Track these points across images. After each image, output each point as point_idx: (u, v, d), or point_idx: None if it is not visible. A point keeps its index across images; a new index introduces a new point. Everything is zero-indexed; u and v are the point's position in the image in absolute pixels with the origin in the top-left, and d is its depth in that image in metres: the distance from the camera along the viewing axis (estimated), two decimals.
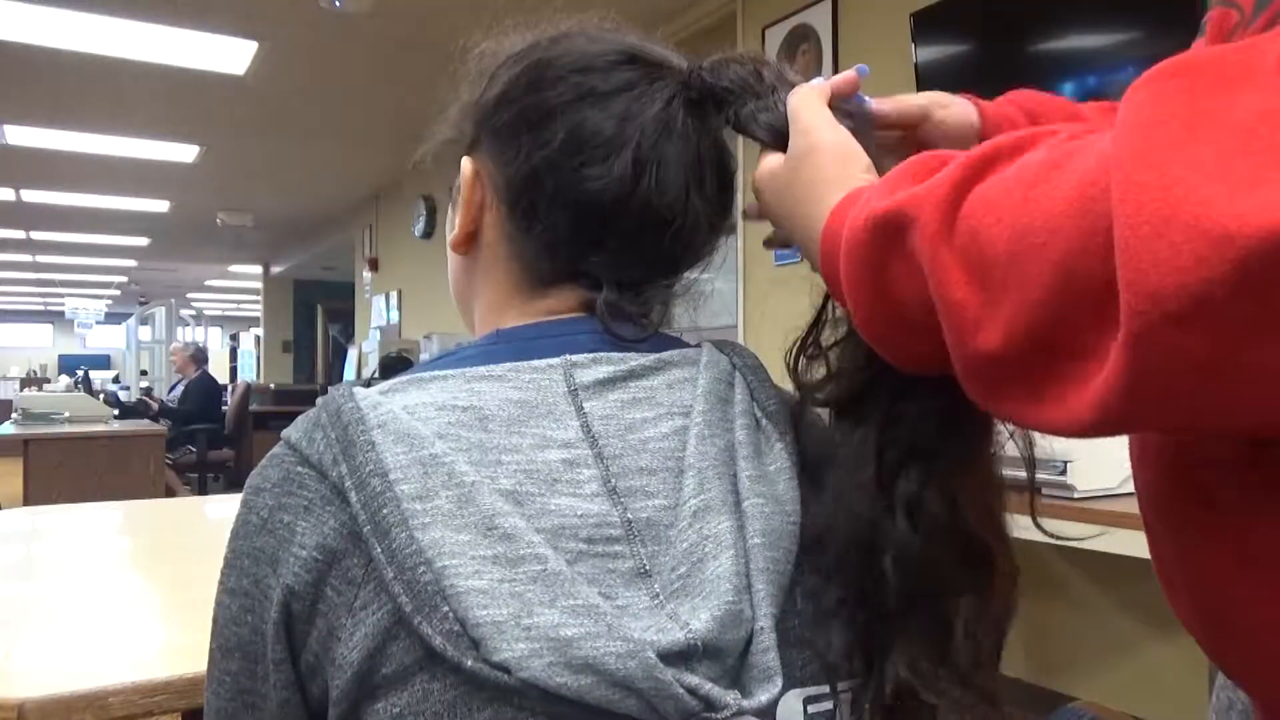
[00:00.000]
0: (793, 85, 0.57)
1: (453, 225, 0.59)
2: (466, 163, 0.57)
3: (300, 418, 0.49)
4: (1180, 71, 0.32)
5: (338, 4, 3.57)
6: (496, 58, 0.58)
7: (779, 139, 0.55)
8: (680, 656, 0.42)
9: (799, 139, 0.53)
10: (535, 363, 0.50)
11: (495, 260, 0.57)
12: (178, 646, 0.93)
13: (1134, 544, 1.73)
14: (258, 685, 0.47)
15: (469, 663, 0.40)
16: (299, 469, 0.46)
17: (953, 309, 0.38)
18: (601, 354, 0.51)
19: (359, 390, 0.48)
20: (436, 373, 0.49)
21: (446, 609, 0.41)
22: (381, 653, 0.42)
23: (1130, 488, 2.15)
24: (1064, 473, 1.81)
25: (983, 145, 0.40)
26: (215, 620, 0.49)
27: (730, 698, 0.43)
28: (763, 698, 0.44)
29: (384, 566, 0.42)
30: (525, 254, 0.55)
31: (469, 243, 0.58)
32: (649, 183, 0.53)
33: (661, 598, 0.44)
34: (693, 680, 0.42)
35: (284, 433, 0.49)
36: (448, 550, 0.42)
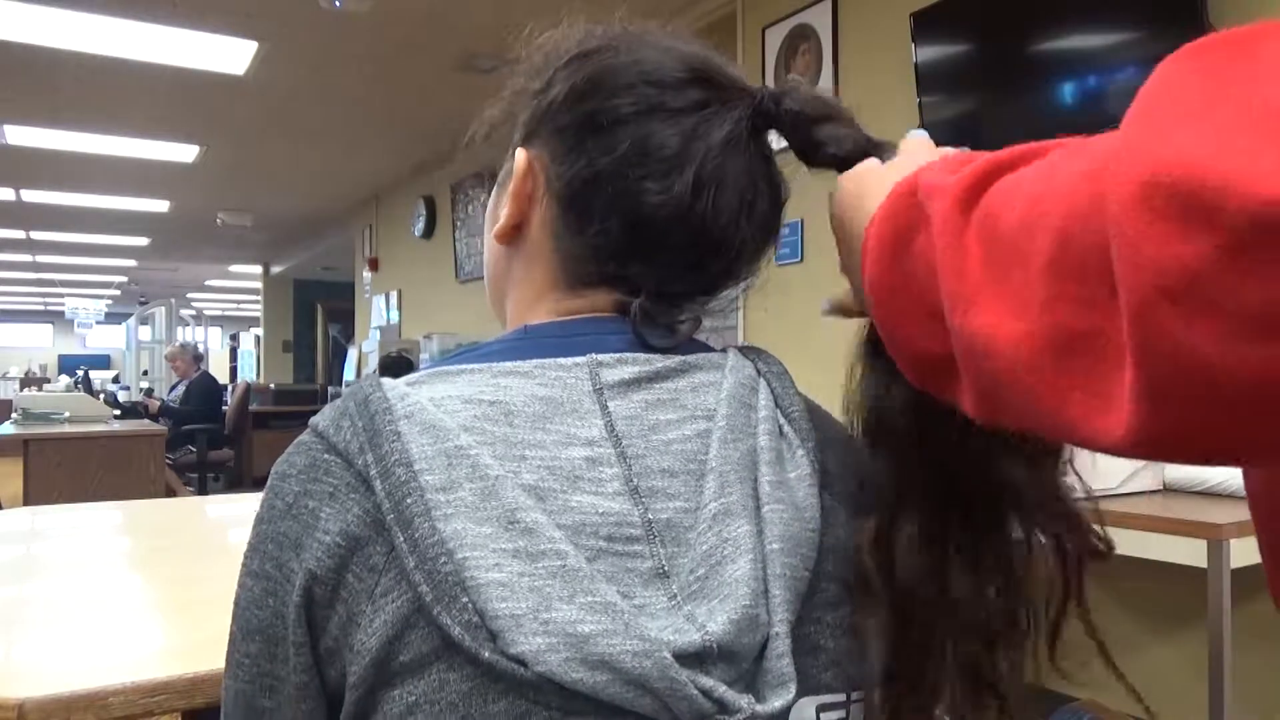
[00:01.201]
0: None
1: (496, 214, 0.59)
2: (520, 154, 0.56)
3: (328, 406, 0.50)
4: (1198, 49, 0.29)
5: (338, 4, 3.57)
6: (560, 53, 0.57)
7: (859, 159, 0.55)
8: (696, 658, 0.43)
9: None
10: (562, 360, 0.50)
11: (537, 254, 0.56)
12: (178, 646, 0.93)
13: (1134, 544, 1.73)
14: (277, 668, 0.47)
15: (486, 654, 0.41)
16: (325, 456, 0.47)
17: (956, 282, 0.36)
18: (627, 354, 0.51)
19: (386, 381, 0.48)
20: (464, 366, 0.50)
21: (466, 600, 0.41)
22: (400, 640, 0.42)
23: (1131, 487, 2.16)
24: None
25: (1019, 146, 0.38)
26: (237, 602, 0.49)
27: (744, 701, 0.43)
28: (776, 703, 0.44)
29: (405, 555, 0.42)
30: (570, 253, 0.55)
31: (514, 234, 0.58)
32: (706, 204, 0.52)
33: (679, 599, 0.45)
34: (707, 682, 0.42)
35: (312, 420, 0.50)
36: (469, 542, 0.42)
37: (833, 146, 0.55)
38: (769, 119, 0.55)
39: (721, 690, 0.42)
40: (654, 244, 0.53)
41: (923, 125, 2.70)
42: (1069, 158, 0.33)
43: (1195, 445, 0.29)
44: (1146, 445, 0.29)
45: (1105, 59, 2.27)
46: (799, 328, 3.11)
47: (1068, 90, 2.35)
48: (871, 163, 0.52)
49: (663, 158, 0.52)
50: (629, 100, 0.53)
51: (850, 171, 0.53)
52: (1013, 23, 2.48)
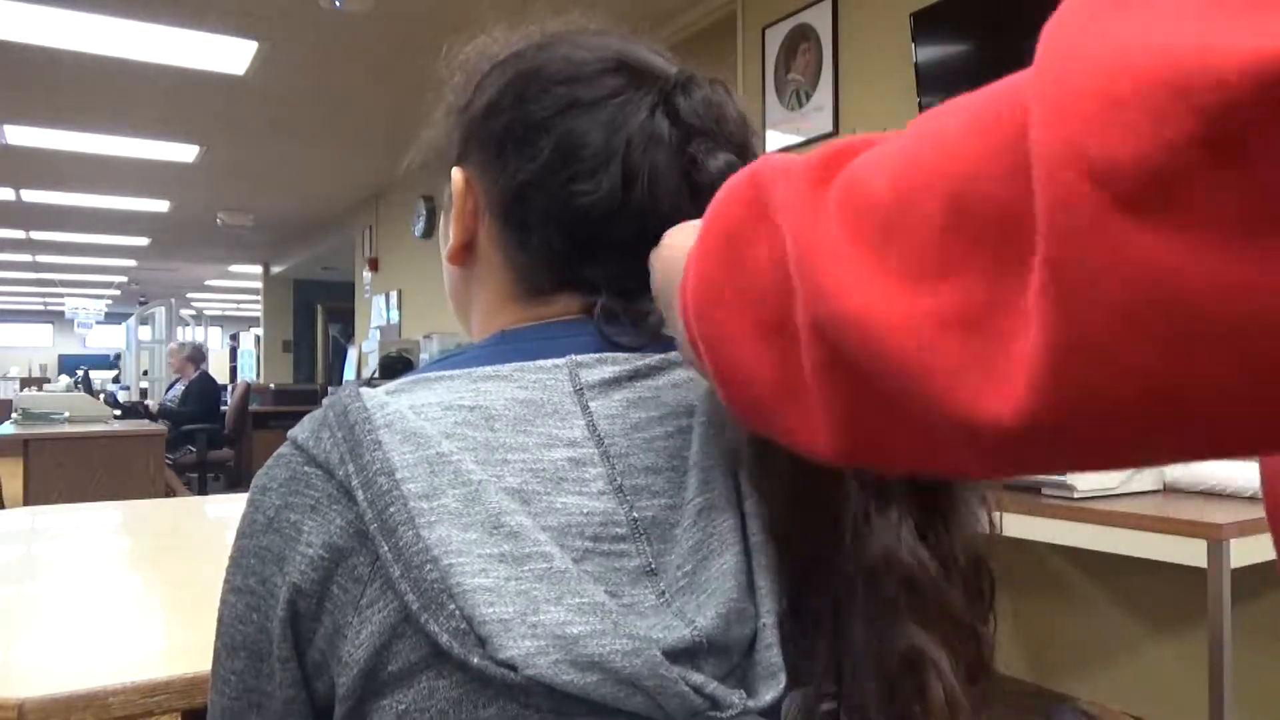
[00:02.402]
0: (753, 135, 0.53)
1: (447, 235, 0.58)
2: (457, 173, 0.57)
3: (306, 418, 0.49)
4: None
5: (338, 4, 3.57)
6: (481, 63, 0.57)
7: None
8: (686, 654, 0.42)
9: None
10: (541, 363, 0.50)
11: (491, 270, 0.56)
12: (178, 646, 0.93)
13: (1134, 544, 1.73)
14: (263, 684, 0.47)
15: (475, 660, 0.40)
16: (305, 468, 0.46)
17: (817, 267, 0.30)
18: (607, 354, 0.51)
19: (365, 390, 0.48)
20: (442, 373, 0.49)
21: (453, 606, 0.41)
22: (388, 650, 0.42)
23: (1131, 488, 2.15)
24: (1064, 473, 1.81)
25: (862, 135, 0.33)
26: (220, 619, 0.49)
27: (735, 697, 0.43)
28: (768, 696, 0.44)
29: (390, 564, 0.42)
30: (521, 265, 0.55)
31: (465, 253, 0.57)
32: (641, 193, 0.51)
33: (668, 595, 0.45)
34: (698, 679, 0.42)
35: (290, 433, 0.49)
36: (454, 548, 0.42)
37: (699, 169, 0.51)
38: (677, 108, 0.53)
39: (713, 687, 0.42)
40: (597, 244, 0.53)
41: None
42: (942, 118, 0.28)
43: (1114, 416, 0.23)
44: (1041, 420, 0.24)
45: None
46: None
47: None
48: (685, 224, 0.47)
49: (588, 155, 0.51)
50: (544, 104, 0.52)
51: (661, 242, 0.48)
52: (1013, 23, 2.48)
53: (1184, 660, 2.27)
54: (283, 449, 0.49)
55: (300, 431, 0.48)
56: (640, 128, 0.52)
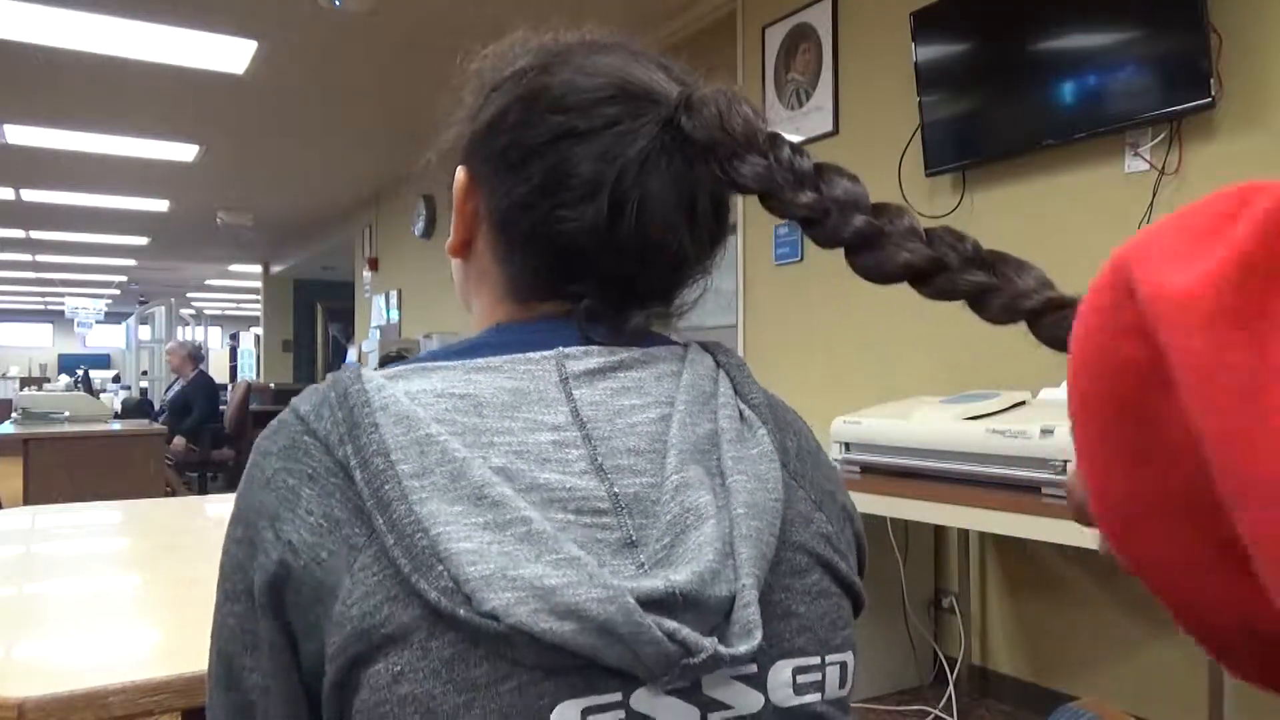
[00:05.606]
0: (771, 137, 0.52)
1: (451, 230, 0.62)
2: (461, 172, 0.59)
3: (309, 390, 0.52)
4: None
5: (338, 4, 3.57)
6: (497, 71, 0.59)
7: (763, 187, 0.51)
8: (661, 605, 0.44)
9: None
10: (530, 355, 0.53)
11: (486, 272, 0.60)
12: (178, 646, 0.93)
13: None
14: (259, 628, 0.49)
15: (462, 613, 0.43)
16: (305, 439, 0.50)
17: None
18: (594, 347, 0.54)
19: (366, 373, 0.51)
20: (440, 363, 0.53)
21: (441, 568, 0.44)
22: (379, 613, 0.44)
23: None
24: (1063, 472, 1.81)
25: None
26: (221, 569, 0.51)
27: (707, 643, 0.44)
28: (742, 648, 0.45)
29: (384, 534, 0.45)
30: (512, 275, 0.58)
31: (465, 249, 0.61)
32: (629, 223, 0.53)
33: (647, 566, 0.47)
34: (671, 625, 0.44)
35: (294, 401, 0.52)
36: (443, 519, 0.45)
37: (739, 179, 0.52)
38: (685, 133, 0.54)
39: (685, 633, 0.44)
40: (581, 269, 0.55)
41: (922, 125, 2.70)
42: None
43: None
44: None
45: (1105, 59, 2.27)
46: (799, 327, 3.11)
47: (1068, 90, 2.35)
48: None
49: (576, 184, 0.53)
50: (540, 130, 0.54)
51: None
52: (1013, 23, 2.48)
53: (1184, 660, 2.27)
54: (285, 415, 0.52)
55: (303, 404, 0.51)
56: (636, 155, 0.53)
